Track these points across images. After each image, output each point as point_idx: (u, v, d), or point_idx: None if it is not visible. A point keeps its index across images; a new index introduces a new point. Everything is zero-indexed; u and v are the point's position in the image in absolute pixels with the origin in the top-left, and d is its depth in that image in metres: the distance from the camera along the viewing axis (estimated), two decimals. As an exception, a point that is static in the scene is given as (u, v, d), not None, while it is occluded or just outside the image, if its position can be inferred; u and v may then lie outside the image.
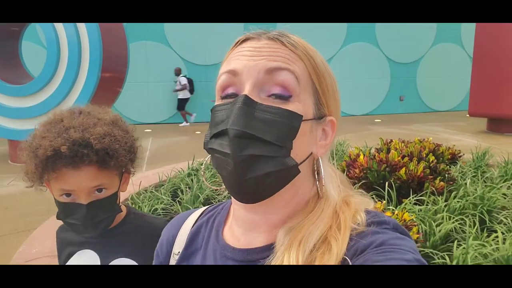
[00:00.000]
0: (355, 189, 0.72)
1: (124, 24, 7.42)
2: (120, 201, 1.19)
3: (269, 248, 0.61)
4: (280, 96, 0.59)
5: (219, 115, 0.60)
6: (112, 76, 6.71)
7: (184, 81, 11.47)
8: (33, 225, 3.41)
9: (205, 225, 0.76)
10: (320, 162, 0.64)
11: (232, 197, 0.65)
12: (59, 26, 6.11)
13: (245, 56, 0.61)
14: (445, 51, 14.30)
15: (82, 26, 6.12)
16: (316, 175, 0.66)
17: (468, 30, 13.32)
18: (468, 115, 9.26)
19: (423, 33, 14.00)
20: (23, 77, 6.96)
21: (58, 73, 6.28)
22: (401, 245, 0.54)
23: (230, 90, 0.62)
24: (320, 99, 0.64)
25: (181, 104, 11.77)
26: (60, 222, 1.14)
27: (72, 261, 1.15)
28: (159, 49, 11.93)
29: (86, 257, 1.14)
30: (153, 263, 0.81)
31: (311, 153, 0.64)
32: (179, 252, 0.74)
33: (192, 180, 3.50)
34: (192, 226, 0.77)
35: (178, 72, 11.69)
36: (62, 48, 6.21)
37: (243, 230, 0.68)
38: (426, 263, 0.52)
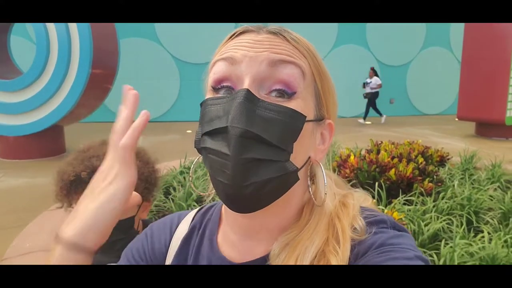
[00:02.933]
0: None
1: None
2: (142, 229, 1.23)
3: (264, 260, 0.58)
4: (283, 92, 0.53)
5: (214, 110, 0.53)
6: (103, 73, 6.66)
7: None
8: (24, 221, 3.37)
9: (196, 230, 0.69)
10: (321, 167, 0.59)
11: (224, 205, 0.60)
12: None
13: (244, 47, 0.55)
14: (434, 55, 14.48)
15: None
16: (308, 181, 0.61)
17: (457, 33, 13.49)
18: (456, 119, 9.38)
19: (412, 36, 14.16)
20: (12, 72, 6.87)
21: (48, 69, 6.21)
22: (401, 243, 0.53)
23: (226, 83, 0.55)
24: (321, 100, 0.59)
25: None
26: None
27: None
28: (149, 46, 11.88)
29: None
30: (121, 263, 0.70)
31: (309, 157, 0.59)
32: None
33: (184, 178, 3.50)
34: (186, 231, 0.69)
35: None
36: (52, 43, 6.14)
37: (239, 236, 0.62)
38: (427, 259, 0.52)
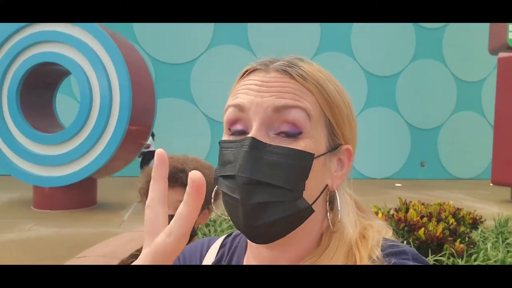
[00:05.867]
0: None
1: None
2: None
3: None
4: (289, 134, 0.56)
5: (227, 155, 0.58)
6: (138, 129, 6.95)
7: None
8: (50, 268, 3.43)
9: (225, 256, 0.72)
10: (337, 194, 0.61)
11: None
12: (93, 80, 6.49)
13: (252, 91, 0.58)
14: (466, 119, 14.35)
15: (114, 80, 6.48)
16: (327, 206, 0.62)
17: (488, 97, 13.43)
18: (491, 184, 9.09)
19: (445, 99, 14.14)
20: (54, 126, 7.28)
21: (88, 125, 6.55)
22: None
23: (238, 127, 0.59)
24: (335, 131, 0.60)
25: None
26: None
27: None
28: (184, 106, 12.32)
29: None
30: None
31: (326, 185, 0.60)
32: None
33: (209, 230, 3.52)
34: (216, 255, 0.73)
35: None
36: (94, 101, 6.53)
37: (264, 262, 0.64)
38: None
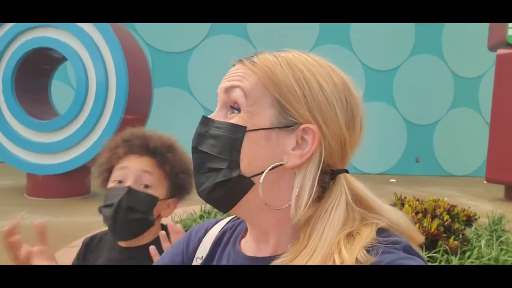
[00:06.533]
0: None
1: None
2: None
3: (274, 258, 0.61)
4: (233, 110, 0.65)
5: None
6: (134, 118, 6.90)
7: None
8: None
9: (228, 231, 0.78)
10: (296, 172, 0.62)
11: None
12: (89, 66, 6.41)
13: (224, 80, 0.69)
14: (462, 115, 14.36)
15: (111, 68, 6.41)
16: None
17: (485, 94, 13.44)
18: (485, 182, 9.12)
19: (441, 95, 14.14)
20: (49, 113, 7.21)
21: (83, 112, 6.48)
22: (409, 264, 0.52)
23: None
24: (286, 109, 0.62)
25: None
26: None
27: None
28: (181, 96, 12.24)
29: None
30: (174, 247, 0.83)
31: (281, 164, 0.62)
32: (202, 256, 0.77)
33: (203, 222, 3.51)
34: (218, 232, 0.79)
35: None
36: (90, 88, 6.46)
37: (252, 238, 0.71)
38: None
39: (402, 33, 13.53)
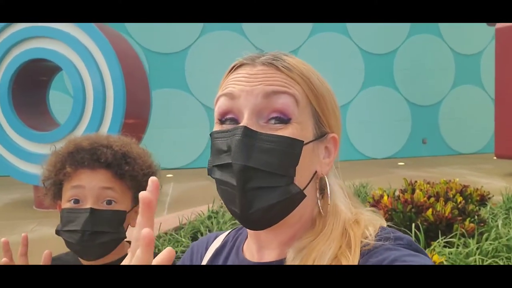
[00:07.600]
0: None
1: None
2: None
3: (279, 263, 0.63)
4: (279, 119, 0.59)
5: (220, 144, 0.61)
6: (135, 123, 6.86)
7: None
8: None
9: (229, 242, 0.77)
10: (326, 180, 0.65)
11: None
12: (85, 75, 6.37)
13: (241, 81, 0.61)
14: (466, 93, 14.22)
15: (107, 74, 6.36)
16: (318, 193, 0.65)
17: (487, 70, 13.28)
18: (495, 158, 9.01)
19: (443, 76, 14.01)
20: (50, 124, 7.19)
21: (83, 121, 6.47)
22: (414, 261, 0.53)
23: (229, 115, 0.62)
24: (321, 119, 0.64)
25: None
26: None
27: None
28: (180, 96, 12.19)
29: None
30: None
31: (315, 172, 0.64)
32: None
33: (212, 222, 3.45)
34: (219, 246, 0.78)
35: None
36: (87, 96, 6.43)
37: (257, 246, 0.69)
38: None
39: (399, 14, 13.36)
